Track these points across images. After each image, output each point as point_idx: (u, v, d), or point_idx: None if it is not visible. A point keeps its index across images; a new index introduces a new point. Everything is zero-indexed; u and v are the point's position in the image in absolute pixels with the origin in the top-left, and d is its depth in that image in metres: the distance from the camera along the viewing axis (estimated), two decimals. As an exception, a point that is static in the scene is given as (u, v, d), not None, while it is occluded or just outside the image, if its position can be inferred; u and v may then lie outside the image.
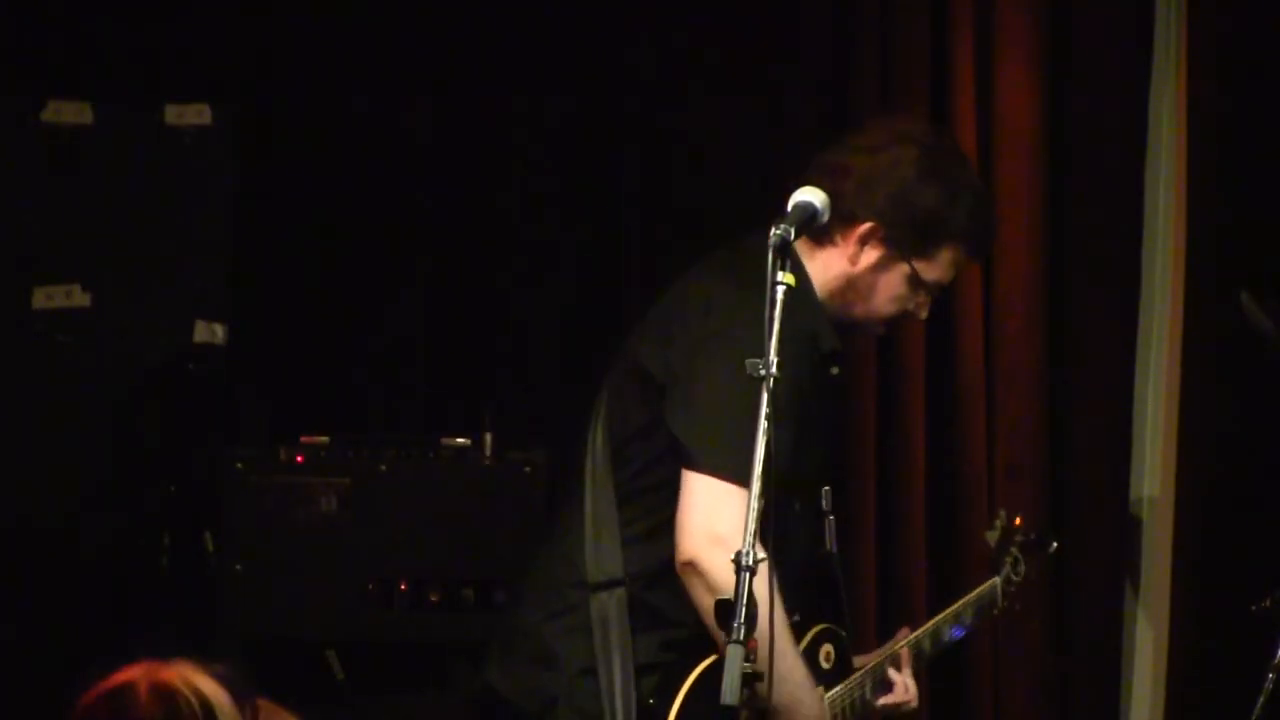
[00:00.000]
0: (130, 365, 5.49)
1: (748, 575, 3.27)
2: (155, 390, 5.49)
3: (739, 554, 3.28)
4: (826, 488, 4.09)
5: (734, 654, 3.24)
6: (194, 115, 5.52)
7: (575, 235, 5.67)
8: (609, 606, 3.93)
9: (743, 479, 3.76)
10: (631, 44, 5.64)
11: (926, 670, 5.48)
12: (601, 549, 3.96)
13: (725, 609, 3.28)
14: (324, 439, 5.26)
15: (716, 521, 3.78)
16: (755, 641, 3.26)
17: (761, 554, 3.29)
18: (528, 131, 5.66)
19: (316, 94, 5.60)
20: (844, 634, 4.11)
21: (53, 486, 5.41)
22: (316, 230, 5.64)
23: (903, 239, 3.99)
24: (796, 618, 3.99)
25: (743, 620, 3.24)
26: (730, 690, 3.22)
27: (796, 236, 3.49)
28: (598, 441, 4.05)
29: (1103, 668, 5.63)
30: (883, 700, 4.11)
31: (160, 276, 5.51)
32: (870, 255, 4.00)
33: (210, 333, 5.52)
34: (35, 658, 5.28)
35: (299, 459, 5.20)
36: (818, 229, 3.87)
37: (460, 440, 5.23)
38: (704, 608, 3.78)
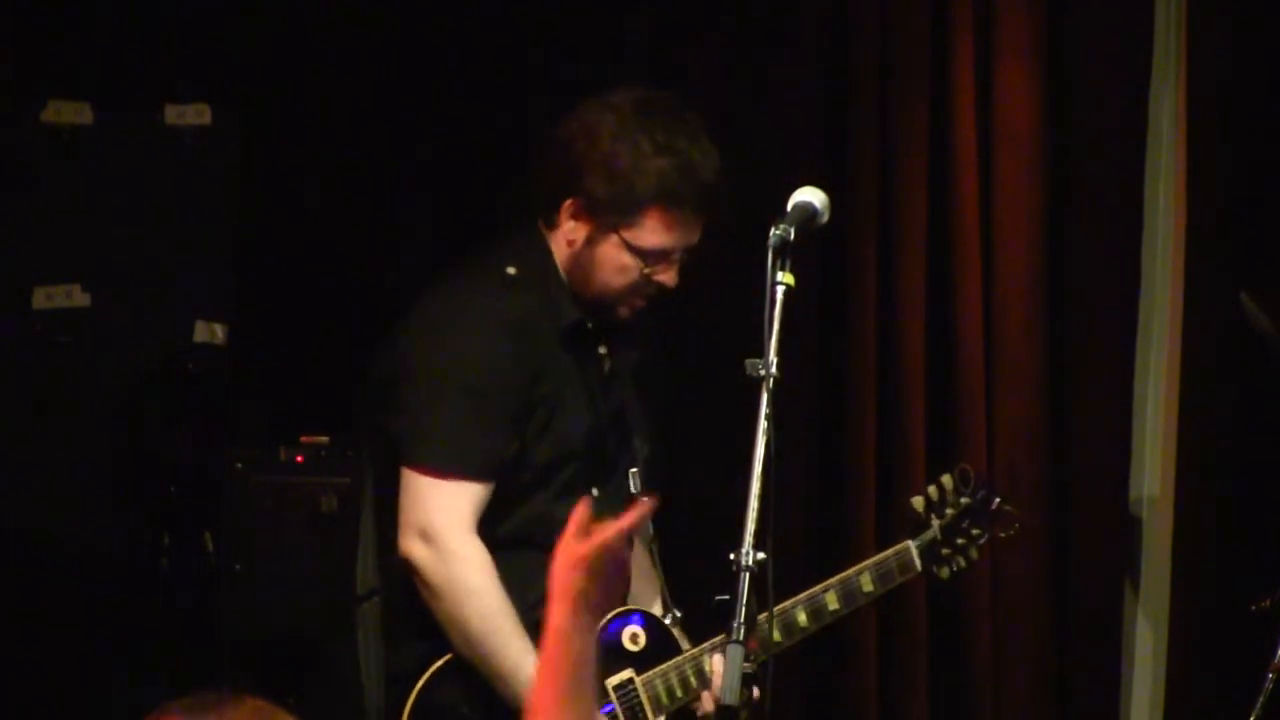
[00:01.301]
0: (130, 365, 5.49)
1: (747, 575, 3.27)
2: (155, 390, 5.48)
3: (737, 553, 3.28)
4: (634, 469, 4.05)
5: (734, 654, 3.23)
6: (194, 115, 5.52)
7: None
8: (368, 617, 3.96)
9: (453, 470, 3.81)
10: (629, 44, 5.64)
11: (925, 661, 5.52)
12: (367, 561, 4.00)
13: (724, 609, 3.28)
14: (324, 439, 5.26)
15: (423, 515, 3.83)
16: (755, 641, 3.26)
17: (761, 555, 3.29)
18: (526, 131, 5.66)
19: (316, 94, 5.60)
20: (660, 616, 4.06)
21: (53, 486, 5.40)
22: (317, 230, 5.63)
23: (602, 209, 3.95)
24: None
25: (742, 620, 3.24)
26: (730, 690, 3.22)
27: (796, 236, 3.50)
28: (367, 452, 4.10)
29: (1103, 667, 5.63)
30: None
31: (160, 276, 5.51)
32: (580, 230, 3.99)
33: (210, 333, 5.52)
34: (35, 658, 5.27)
35: (299, 459, 5.20)
36: (545, 214, 3.92)
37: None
38: (430, 606, 3.79)
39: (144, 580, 5.37)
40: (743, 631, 3.23)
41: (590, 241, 3.97)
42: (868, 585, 4.20)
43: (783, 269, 3.44)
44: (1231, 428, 5.54)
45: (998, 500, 4.35)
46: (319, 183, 5.61)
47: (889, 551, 4.26)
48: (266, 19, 5.56)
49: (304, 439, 5.25)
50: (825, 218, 3.63)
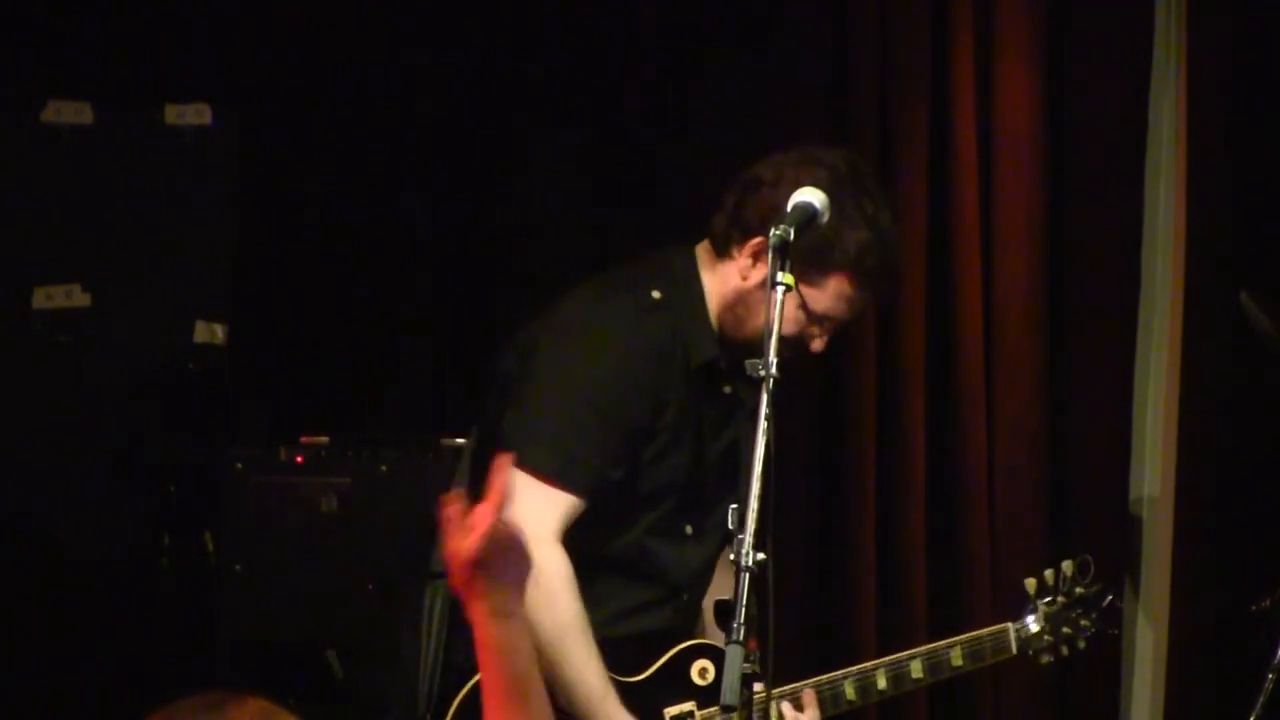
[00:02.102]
0: (130, 365, 5.49)
1: (746, 576, 3.27)
2: (155, 390, 5.49)
3: (738, 554, 3.28)
4: (734, 506, 4.05)
5: (734, 654, 3.23)
6: (194, 115, 5.52)
7: (575, 237, 5.67)
8: (436, 596, 3.96)
9: (554, 477, 3.81)
10: (629, 45, 5.64)
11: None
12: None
13: (724, 609, 3.28)
14: (324, 439, 5.26)
15: (513, 514, 3.82)
16: (755, 642, 3.26)
17: (761, 555, 3.29)
18: (527, 133, 5.66)
19: (316, 94, 5.60)
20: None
21: (53, 487, 5.41)
22: (316, 230, 5.64)
23: (792, 260, 3.96)
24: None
25: (742, 620, 3.24)
26: (730, 690, 3.22)
27: (796, 237, 3.49)
28: (470, 441, 4.10)
29: (1103, 668, 5.63)
30: None
31: (160, 276, 5.51)
32: (760, 271, 3.96)
33: (210, 333, 5.52)
34: (35, 658, 5.28)
35: (299, 459, 5.20)
36: (722, 242, 3.91)
37: (460, 440, 5.22)
38: None
39: (144, 580, 5.37)
40: (742, 632, 3.23)
41: (764, 284, 3.98)
42: (957, 660, 4.22)
43: (783, 269, 3.44)
44: (1231, 428, 5.54)
45: (1111, 597, 4.37)
46: (319, 183, 5.62)
47: (985, 630, 4.28)
48: (266, 19, 5.56)
49: (304, 439, 5.25)
50: (825, 218, 3.63)
